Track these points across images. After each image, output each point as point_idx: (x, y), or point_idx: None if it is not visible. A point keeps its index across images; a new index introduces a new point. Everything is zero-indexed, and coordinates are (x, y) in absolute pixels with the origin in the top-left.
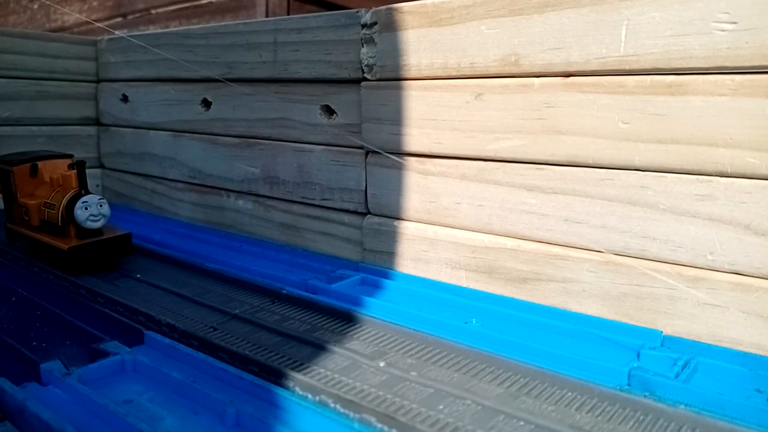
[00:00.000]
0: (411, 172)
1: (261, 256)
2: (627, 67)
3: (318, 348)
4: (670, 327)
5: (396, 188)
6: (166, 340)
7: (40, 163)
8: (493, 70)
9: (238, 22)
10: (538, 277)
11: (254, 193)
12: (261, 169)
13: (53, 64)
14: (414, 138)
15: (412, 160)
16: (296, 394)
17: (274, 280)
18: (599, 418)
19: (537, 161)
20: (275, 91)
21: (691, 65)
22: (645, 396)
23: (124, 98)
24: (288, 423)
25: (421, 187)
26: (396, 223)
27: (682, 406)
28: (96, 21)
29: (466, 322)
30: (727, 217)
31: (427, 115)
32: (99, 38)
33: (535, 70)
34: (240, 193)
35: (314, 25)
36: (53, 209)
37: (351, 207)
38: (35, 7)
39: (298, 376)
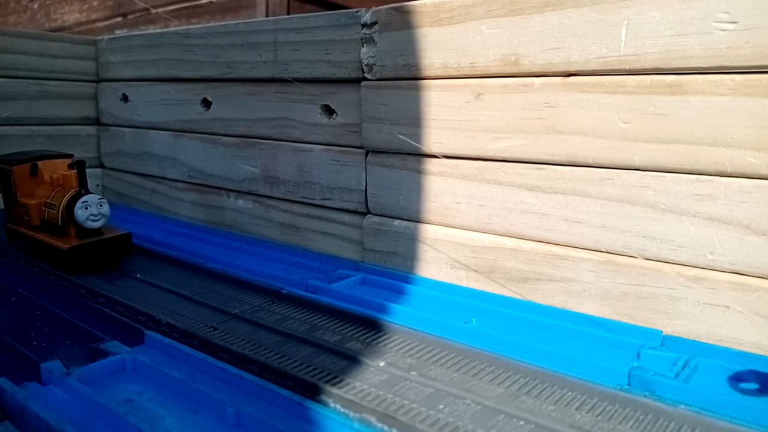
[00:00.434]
0: (411, 172)
1: (261, 255)
2: (627, 67)
3: (318, 348)
4: (670, 327)
5: (396, 188)
6: (166, 340)
7: (40, 163)
8: (493, 70)
9: (238, 21)
10: (538, 277)
11: (254, 192)
12: (261, 169)
13: (53, 64)
14: (414, 138)
15: (412, 160)
16: (296, 394)
17: (274, 279)
18: (599, 417)
19: (537, 161)
20: (275, 90)
21: (691, 65)
22: (645, 396)
23: (124, 98)
24: (288, 423)
25: (421, 187)
26: (396, 222)
27: (682, 406)
28: (96, 21)
29: (466, 322)
30: (727, 217)
31: (427, 115)
32: (99, 38)
33: (535, 69)
34: (240, 192)
35: (314, 25)
36: (53, 209)
37: (351, 207)
38: (35, 6)
39: (298, 376)
